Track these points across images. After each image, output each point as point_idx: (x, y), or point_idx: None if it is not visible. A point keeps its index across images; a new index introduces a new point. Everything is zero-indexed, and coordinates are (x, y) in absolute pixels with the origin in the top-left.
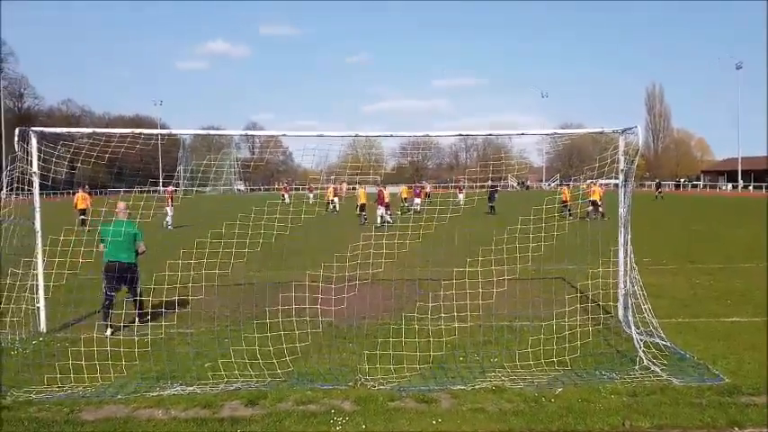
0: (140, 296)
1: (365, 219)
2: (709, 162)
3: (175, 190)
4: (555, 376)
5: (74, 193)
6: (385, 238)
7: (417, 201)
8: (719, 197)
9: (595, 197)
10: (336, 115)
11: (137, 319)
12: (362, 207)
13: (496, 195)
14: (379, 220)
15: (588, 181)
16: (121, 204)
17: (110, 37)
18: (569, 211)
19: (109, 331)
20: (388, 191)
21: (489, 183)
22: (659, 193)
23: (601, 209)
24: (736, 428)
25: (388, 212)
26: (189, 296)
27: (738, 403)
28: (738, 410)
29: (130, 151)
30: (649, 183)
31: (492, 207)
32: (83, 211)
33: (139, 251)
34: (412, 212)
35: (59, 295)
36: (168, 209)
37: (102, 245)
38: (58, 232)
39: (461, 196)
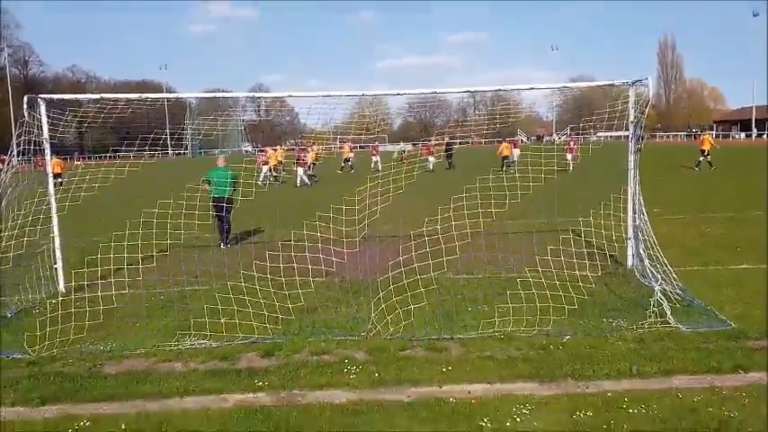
0: (230, 224)
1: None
2: (723, 111)
3: (274, 150)
4: (563, 325)
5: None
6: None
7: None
8: (732, 146)
9: (706, 146)
10: (343, 74)
11: (222, 243)
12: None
13: (452, 152)
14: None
15: (700, 131)
16: (221, 157)
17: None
18: (707, 158)
19: (222, 245)
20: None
21: (447, 139)
22: (640, 146)
23: (709, 157)
24: (741, 371)
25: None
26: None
27: (744, 348)
28: (744, 354)
29: (138, 114)
30: (660, 134)
31: (450, 163)
32: (57, 175)
33: (236, 187)
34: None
35: (75, 257)
36: (264, 167)
37: (206, 185)
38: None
39: (432, 159)
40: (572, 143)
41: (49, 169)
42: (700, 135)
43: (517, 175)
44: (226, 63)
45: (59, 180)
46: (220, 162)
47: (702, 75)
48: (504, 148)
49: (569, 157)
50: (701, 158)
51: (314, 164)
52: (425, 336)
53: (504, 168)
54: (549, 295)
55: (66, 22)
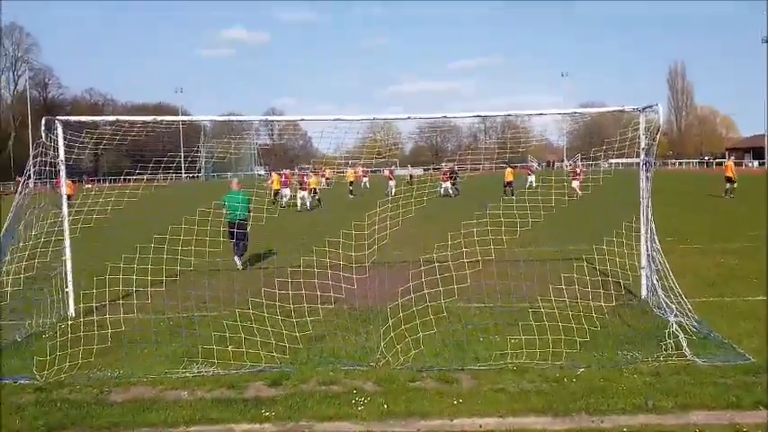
0: (246, 246)
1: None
2: (735, 139)
3: (292, 173)
4: (577, 357)
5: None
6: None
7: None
8: (745, 174)
9: (729, 173)
10: (355, 98)
11: (237, 260)
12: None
13: (458, 179)
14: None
15: (713, 158)
16: (235, 180)
17: (130, 27)
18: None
19: (239, 264)
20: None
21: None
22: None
23: (735, 185)
24: (762, 408)
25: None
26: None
27: (764, 383)
28: (764, 390)
29: (152, 137)
30: (672, 161)
31: (456, 189)
32: (69, 197)
33: (250, 210)
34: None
35: (85, 280)
36: (286, 190)
37: (224, 209)
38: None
39: (447, 184)
40: (577, 170)
41: (64, 191)
42: (724, 162)
43: (528, 204)
44: (239, 87)
45: (69, 202)
46: (234, 185)
47: (713, 102)
48: (508, 174)
49: (575, 184)
50: (728, 186)
51: (315, 189)
52: (436, 366)
53: (506, 195)
54: (561, 326)
55: (84, 45)
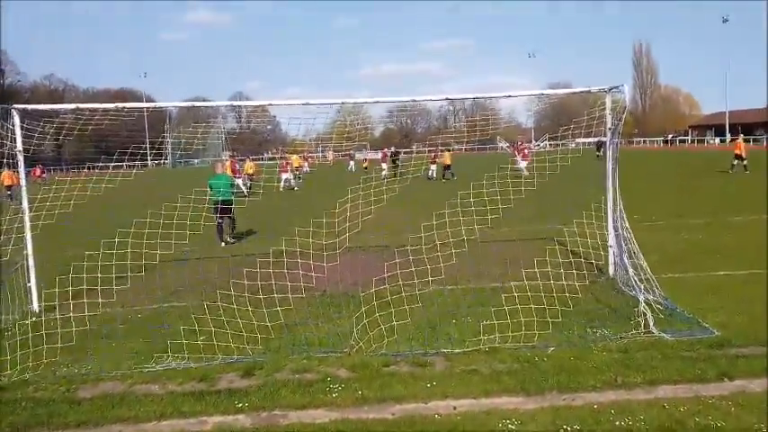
0: (234, 223)
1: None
2: (697, 117)
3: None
4: (547, 336)
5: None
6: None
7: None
8: (707, 151)
9: (738, 150)
10: (324, 82)
11: (228, 238)
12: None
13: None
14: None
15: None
16: (219, 165)
17: (91, 10)
18: (744, 164)
19: (222, 244)
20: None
21: (393, 148)
22: (600, 152)
23: (745, 162)
24: (726, 379)
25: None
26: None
27: (729, 355)
28: (729, 362)
29: (116, 125)
30: (637, 140)
31: (397, 173)
32: (9, 188)
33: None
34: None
35: (50, 274)
36: (286, 174)
37: (210, 190)
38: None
39: (385, 166)
40: (525, 150)
41: (24, 183)
42: (735, 140)
43: (498, 188)
44: (205, 71)
45: (9, 193)
46: (219, 169)
47: (676, 81)
48: (447, 157)
49: (523, 164)
50: (736, 162)
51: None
52: (409, 351)
53: (442, 177)
54: (533, 306)
55: (42, 29)
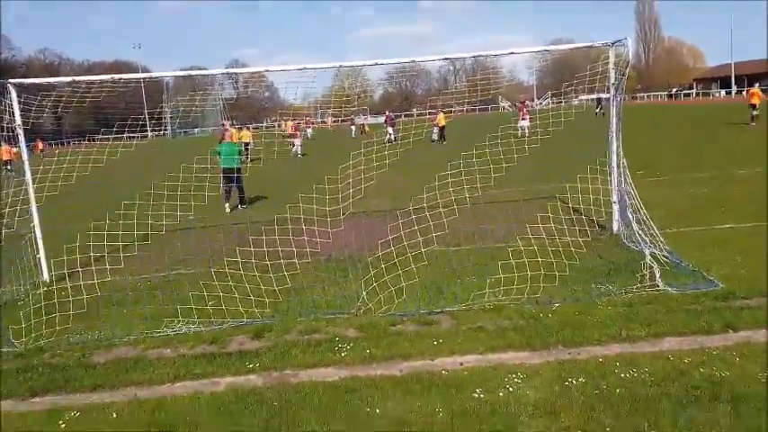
0: (243, 190)
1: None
2: (702, 69)
3: (299, 123)
4: (552, 291)
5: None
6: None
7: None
8: (712, 104)
9: (755, 100)
10: (321, 47)
11: (239, 205)
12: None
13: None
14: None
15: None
16: (227, 132)
17: None
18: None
19: (228, 209)
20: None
21: (388, 112)
22: (599, 109)
23: (757, 112)
24: (731, 331)
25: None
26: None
27: (733, 307)
28: (733, 314)
29: (114, 96)
30: (641, 95)
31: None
32: (7, 162)
33: (241, 160)
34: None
35: (57, 245)
36: (296, 141)
37: (218, 157)
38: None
39: (390, 130)
40: (524, 108)
41: (26, 156)
42: (748, 90)
43: (501, 147)
44: (199, 40)
45: (9, 167)
46: (227, 137)
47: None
48: (441, 119)
49: (524, 123)
50: (755, 113)
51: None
52: (415, 310)
53: (440, 139)
54: (538, 263)
55: (35, 3)
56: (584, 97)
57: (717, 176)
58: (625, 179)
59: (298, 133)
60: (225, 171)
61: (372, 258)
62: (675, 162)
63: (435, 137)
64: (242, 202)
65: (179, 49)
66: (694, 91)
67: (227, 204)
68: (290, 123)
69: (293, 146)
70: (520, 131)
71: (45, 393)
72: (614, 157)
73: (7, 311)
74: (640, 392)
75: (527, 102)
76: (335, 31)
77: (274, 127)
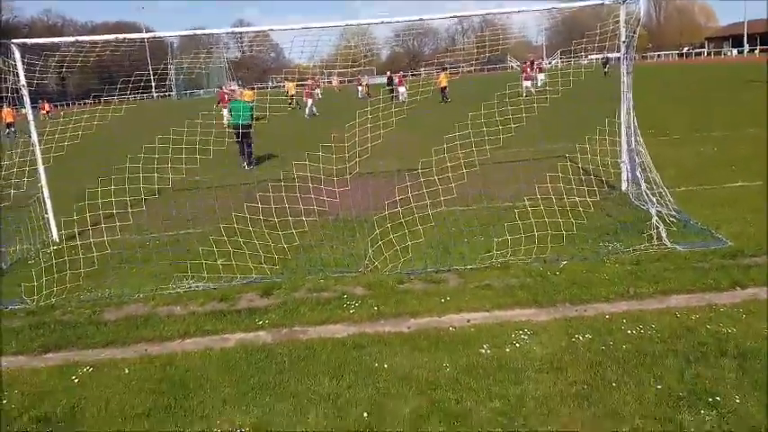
0: (251, 148)
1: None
2: (714, 28)
3: (312, 83)
4: (559, 250)
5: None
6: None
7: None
8: (724, 64)
9: None
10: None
11: (246, 165)
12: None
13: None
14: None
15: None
16: (238, 91)
17: None
18: None
19: (245, 165)
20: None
21: (389, 73)
22: (607, 68)
23: None
24: (738, 288)
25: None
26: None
27: (741, 265)
28: (741, 272)
29: (118, 57)
30: (651, 54)
31: (393, 95)
32: (10, 125)
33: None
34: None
35: (66, 204)
36: (309, 100)
37: (229, 114)
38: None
39: (402, 89)
40: (528, 69)
41: (31, 117)
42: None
43: (509, 108)
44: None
45: (12, 129)
46: (237, 95)
47: None
48: (442, 79)
49: (528, 84)
50: None
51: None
52: (423, 269)
53: (443, 100)
54: (545, 223)
55: None
56: (593, 57)
57: (729, 136)
58: (635, 138)
59: (311, 92)
60: (235, 128)
61: (378, 217)
62: (686, 121)
63: (402, 98)
64: (249, 162)
65: (182, 11)
66: (705, 50)
67: (245, 163)
68: (291, 85)
69: (305, 106)
70: (525, 92)
71: (57, 350)
72: (624, 116)
73: (18, 270)
74: (647, 348)
75: (535, 61)
76: None
77: (279, 88)
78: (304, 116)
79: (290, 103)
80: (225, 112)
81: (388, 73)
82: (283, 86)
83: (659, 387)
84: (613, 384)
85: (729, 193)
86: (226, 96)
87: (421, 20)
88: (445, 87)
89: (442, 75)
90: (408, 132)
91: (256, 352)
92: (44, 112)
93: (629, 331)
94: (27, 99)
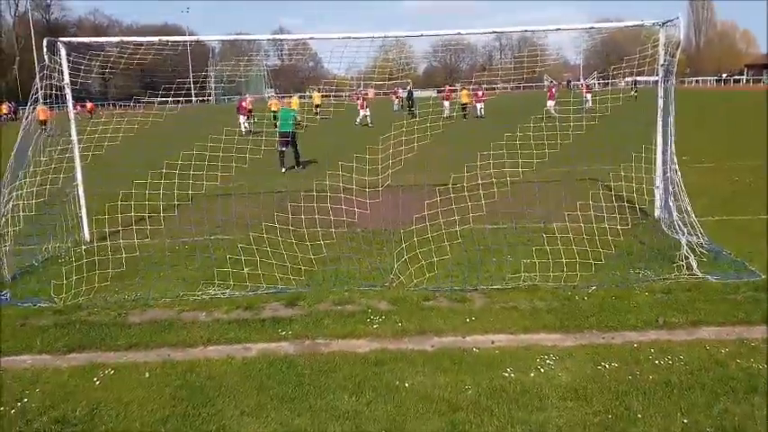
0: (299, 152)
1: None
2: (755, 55)
3: (366, 94)
4: (589, 277)
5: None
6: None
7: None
8: (761, 91)
9: None
10: (365, 17)
11: (296, 167)
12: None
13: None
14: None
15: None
16: (285, 100)
17: None
18: None
19: (284, 170)
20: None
21: (409, 88)
22: (635, 91)
23: None
24: None
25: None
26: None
27: None
28: None
29: (160, 60)
30: (689, 79)
31: (411, 111)
32: (43, 123)
33: (297, 124)
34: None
35: (99, 204)
36: (362, 110)
37: (276, 122)
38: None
39: (447, 104)
40: (553, 89)
41: (72, 116)
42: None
43: (544, 128)
44: (245, 6)
45: (47, 127)
46: (287, 104)
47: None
48: (464, 96)
49: (550, 104)
50: None
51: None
52: (449, 287)
53: (465, 117)
54: (575, 247)
55: None
56: (629, 79)
57: (764, 165)
58: (671, 165)
59: (365, 103)
60: (281, 135)
61: (407, 232)
62: (722, 149)
63: (447, 113)
64: (297, 163)
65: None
66: (744, 77)
67: (283, 169)
68: (317, 95)
69: (360, 116)
70: (545, 113)
71: (81, 350)
72: (659, 141)
73: (49, 267)
74: (674, 380)
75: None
76: (380, 5)
77: (304, 98)
78: (369, 124)
79: (316, 114)
80: (242, 119)
81: (409, 87)
82: (310, 97)
83: (685, 421)
84: (639, 416)
85: (763, 225)
86: (248, 106)
87: (459, 33)
88: (466, 104)
89: (464, 92)
90: (443, 146)
91: (278, 363)
92: (88, 111)
93: (656, 361)
94: (70, 97)
